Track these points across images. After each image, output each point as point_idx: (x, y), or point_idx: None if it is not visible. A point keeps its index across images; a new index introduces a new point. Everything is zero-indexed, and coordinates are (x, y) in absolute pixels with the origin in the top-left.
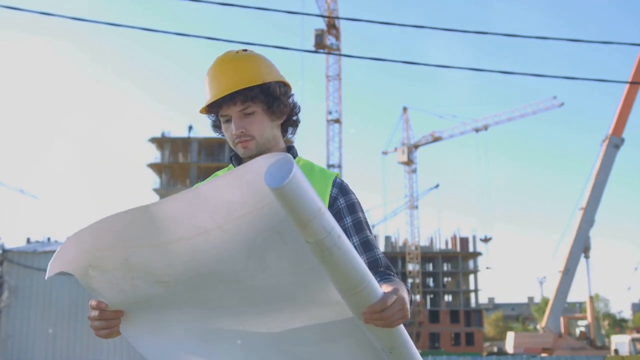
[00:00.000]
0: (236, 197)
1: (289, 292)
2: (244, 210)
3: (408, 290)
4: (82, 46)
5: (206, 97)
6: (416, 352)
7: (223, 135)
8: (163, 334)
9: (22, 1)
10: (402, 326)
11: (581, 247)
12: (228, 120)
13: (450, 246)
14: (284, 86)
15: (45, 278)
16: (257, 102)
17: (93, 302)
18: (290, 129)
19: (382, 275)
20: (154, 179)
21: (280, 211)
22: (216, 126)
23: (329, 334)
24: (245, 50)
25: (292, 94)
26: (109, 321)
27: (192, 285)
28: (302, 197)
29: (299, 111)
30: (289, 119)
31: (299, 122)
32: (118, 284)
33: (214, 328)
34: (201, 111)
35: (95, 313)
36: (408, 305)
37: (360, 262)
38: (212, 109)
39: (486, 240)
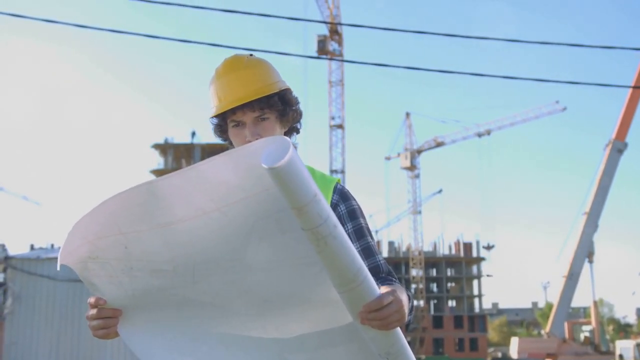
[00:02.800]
0: (234, 180)
1: (287, 289)
2: (243, 194)
3: (409, 296)
4: (86, 53)
5: (215, 101)
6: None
7: (225, 140)
8: (159, 335)
9: (28, 9)
10: (399, 331)
11: (585, 251)
12: (237, 125)
13: (453, 251)
14: (293, 93)
15: (57, 269)
16: (273, 110)
17: (91, 300)
18: (291, 135)
19: (384, 280)
20: None
21: (278, 198)
22: (221, 130)
23: (328, 340)
24: (252, 55)
25: (299, 102)
26: (106, 320)
27: (189, 275)
28: (298, 179)
29: (301, 117)
30: (292, 126)
31: (301, 127)
32: (117, 276)
33: (211, 330)
34: (212, 115)
35: (93, 312)
36: (406, 309)
37: (356, 255)
38: (224, 113)
39: (489, 248)
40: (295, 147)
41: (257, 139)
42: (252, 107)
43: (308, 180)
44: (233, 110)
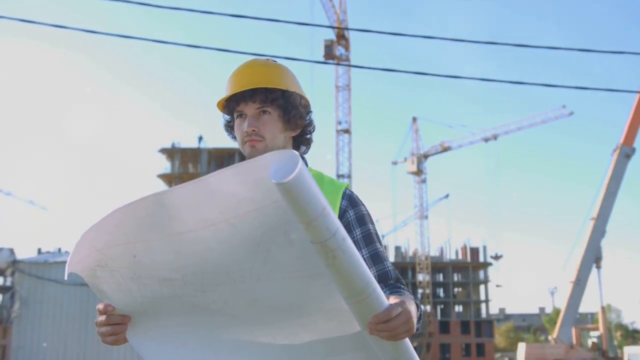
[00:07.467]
0: (243, 192)
1: (296, 298)
2: (252, 206)
3: (417, 305)
4: (95, 57)
5: (226, 94)
6: None
7: (234, 138)
8: (168, 341)
9: (38, 13)
10: (407, 341)
11: (592, 257)
12: (240, 116)
13: (460, 256)
14: (304, 101)
15: (65, 278)
16: (275, 106)
17: (100, 306)
18: (302, 147)
19: (392, 288)
20: None
21: (287, 210)
22: (229, 126)
23: (336, 348)
24: (275, 61)
25: (311, 111)
26: (115, 326)
27: (198, 284)
28: (306, 194)
29: (314, 130)
30: (302, 136)
31: (312, 141)
32: (126, 284)
33: (219, 338)
34: (218, 105)
35: (102, 318)
36: (415, 320)
37: (365, 267)
38: (230, 104)
39: (496, 257)
40: (306, 163)
41: (253, 130)
42: (254, 99)
43: (317, 194)
44: (237, 102)
